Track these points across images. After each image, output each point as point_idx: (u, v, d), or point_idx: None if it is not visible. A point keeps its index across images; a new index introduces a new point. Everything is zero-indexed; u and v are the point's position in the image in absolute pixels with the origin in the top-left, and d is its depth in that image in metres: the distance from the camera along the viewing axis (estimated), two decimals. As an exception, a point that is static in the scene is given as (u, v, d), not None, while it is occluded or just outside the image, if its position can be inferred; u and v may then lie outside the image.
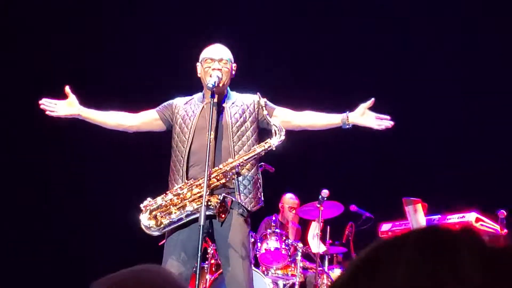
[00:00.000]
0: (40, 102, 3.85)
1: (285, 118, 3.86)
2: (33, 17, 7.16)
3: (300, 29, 7.63)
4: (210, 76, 3.78)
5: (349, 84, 7.01)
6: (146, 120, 3.97)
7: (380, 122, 3.79)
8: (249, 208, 3.75)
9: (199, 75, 3.98)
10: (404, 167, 7.41)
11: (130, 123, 3.98)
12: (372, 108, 3.86)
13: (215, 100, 3.74)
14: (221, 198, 3.57)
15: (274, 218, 6.40)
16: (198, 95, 4.00)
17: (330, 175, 7.36)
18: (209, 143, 3.60)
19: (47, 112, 3.87)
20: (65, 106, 3.88)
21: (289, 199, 6.93)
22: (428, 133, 7.45)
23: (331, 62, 7.61)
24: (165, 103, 4.01)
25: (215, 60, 3.81)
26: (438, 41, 7.32)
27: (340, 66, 7.50)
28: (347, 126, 3.80)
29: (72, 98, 3.90)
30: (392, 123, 3.79)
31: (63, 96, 3.91)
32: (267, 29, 7.53)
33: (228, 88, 3.96)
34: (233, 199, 3.65)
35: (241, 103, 3.88)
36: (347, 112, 3.79)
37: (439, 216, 4.97)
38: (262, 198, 3.89)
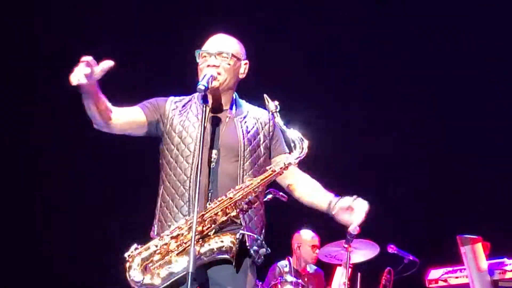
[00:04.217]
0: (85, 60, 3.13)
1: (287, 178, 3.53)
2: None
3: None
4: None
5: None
6: (129, 119, 3.38)
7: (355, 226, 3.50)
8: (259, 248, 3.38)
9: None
10: (458, 196, 7.12)
11: (116, 120, 3.34)
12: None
13: (209, 106, 3.31)
14: (239, 237, 3.17)
15: (287, 262, 6.08)
16: (198, 96, 3.53)
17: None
18: (212, 164, 3.29)
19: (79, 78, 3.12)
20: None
21: (309, 237, 6.59)
22: (488, 155, 7.12)
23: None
24: (152, 101, 3.48)
25: (212, 55, 3.40)
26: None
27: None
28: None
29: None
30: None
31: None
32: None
33: (236, 95, 3.52)
34: (257, 237, 3.27)
35: (255, 120, 3.50)
36: (337, 200, 3.44)
37: (506, 258, 4.85)
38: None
